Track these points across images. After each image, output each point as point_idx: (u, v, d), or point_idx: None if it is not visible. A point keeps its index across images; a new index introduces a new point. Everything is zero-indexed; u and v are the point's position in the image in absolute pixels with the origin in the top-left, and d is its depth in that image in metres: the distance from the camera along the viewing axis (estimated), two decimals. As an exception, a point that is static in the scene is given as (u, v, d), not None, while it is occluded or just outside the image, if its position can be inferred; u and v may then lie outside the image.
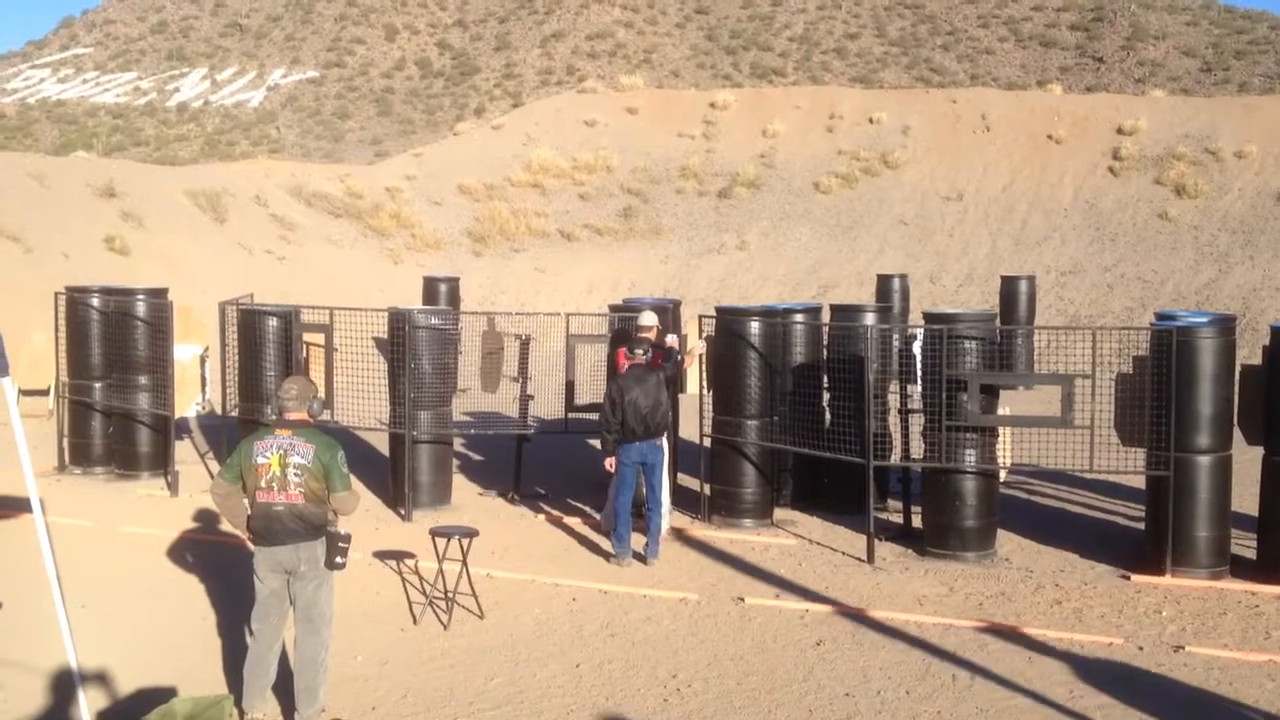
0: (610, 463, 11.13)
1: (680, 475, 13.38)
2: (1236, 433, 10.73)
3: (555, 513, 12.95)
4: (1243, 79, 77.54)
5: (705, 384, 12.96)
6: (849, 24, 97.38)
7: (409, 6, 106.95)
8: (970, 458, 10.92)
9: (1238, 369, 10.74)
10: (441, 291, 21.33)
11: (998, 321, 12.27)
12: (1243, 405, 10.69)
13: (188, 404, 16.88)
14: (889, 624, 9.33)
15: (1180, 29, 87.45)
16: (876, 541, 11.24)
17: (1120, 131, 35.95)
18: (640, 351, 11.22)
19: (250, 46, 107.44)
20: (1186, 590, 10.11)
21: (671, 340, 12.65)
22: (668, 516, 11.93)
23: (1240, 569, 10.63)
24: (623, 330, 12.81)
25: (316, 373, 13.04)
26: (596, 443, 12.72)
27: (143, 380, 14.18)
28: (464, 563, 9.46)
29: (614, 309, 14.23)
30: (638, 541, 11.23)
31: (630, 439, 10.95)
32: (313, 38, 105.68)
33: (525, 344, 13.98)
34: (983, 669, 8.36)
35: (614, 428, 10.96)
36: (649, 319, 12.23)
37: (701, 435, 12.71)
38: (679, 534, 12.01)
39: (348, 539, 7.32)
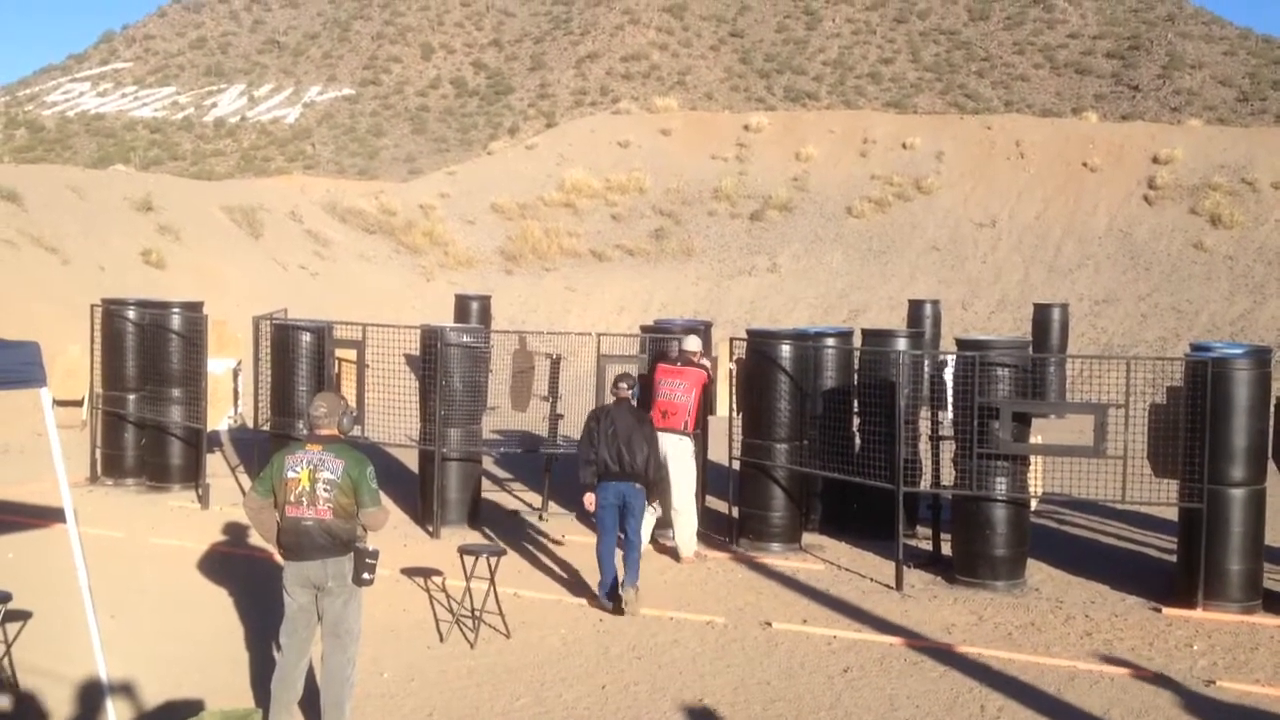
0: (590, 499, 10.26)
1: (709, 498, 13.35)
2: (1271, 466, 10.63)
3: (583, 533, 12.94)
4: (1280, 109, 77.10)
5: (735, 406, 12.95)
6: (883, 49, 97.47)
7: (446, 26, 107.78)
8: (1001, 486, 10.85)
9: (1273, 401, 10.65)
10: (473, 309, 21.39)
11: (1030, 349, 12.20)
12: (1277, 438, 10.59)
13: (220, 417, 16.99)
14: (917, 652, 9.27)
15: (1217, 58, 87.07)
16: (905, 568, 11.18)
17: (1156, 160, 35.80)
18: (625, 386, 10.47)
19: (288, 63, 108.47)
20: (1218, 624, 10.01)
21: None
22: (691, 541, 11.88)
23: (1273, 604, 10.51)
24: (662, 352, 12.83)
25: (348, 388, 13.10)
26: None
27: (176, 393, 14.29)
28: (491, 581, 9.47)
29: (645, 329, 14.23)
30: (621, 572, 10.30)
31: (606, 476, 10.09)
32: (349, 55, 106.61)
33: (556, 363, 14.01)
34: (1012, 699, 8.29)
35: (589, 458, 10.15)
36: (693, 343, 12.26)
37: (730, 458, 12.69)
38: (706, 557, 11.99)
39: (376, 555, 7.33)
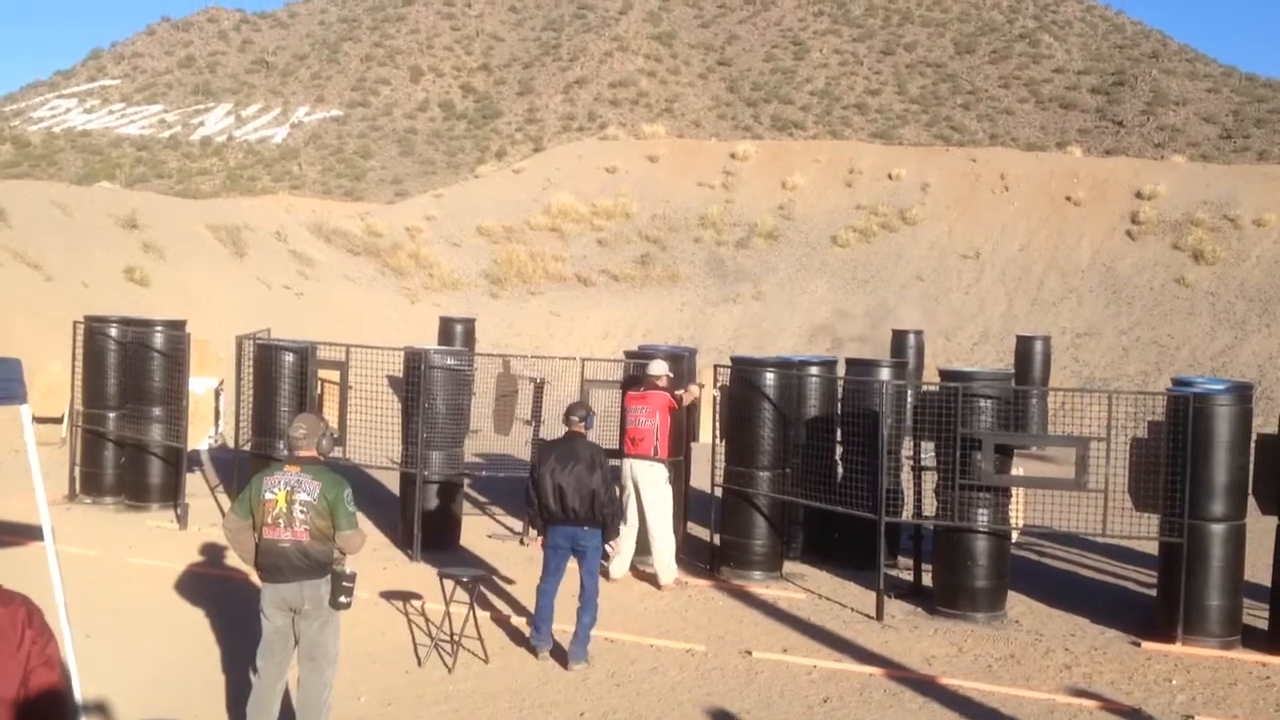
0: (541, 542, 9.62)
1: (690, 525, 13.33)
2: (1251, 502, 10.66)
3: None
4: (1263, 147, 77.69)
5: (718, 433, 12.94)
6: (870, 80, 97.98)
7: (435, 49, 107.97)
8: (983, 517, 10.86)
9: (1254, 437, 10.68)
10: (457, 332, 21.40)
11: (1013, 381, 12.23)
12: (1258, 474, 10.62)
13: (200, 437, 16.89)
14: (897, 683, 9.25)
15: (1201, 95, 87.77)
16: (886, 599, 11.17)
17: (1139, 195, 35.99)
18: (576, 418, 9.67)
19: (276, 83, 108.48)
20: (1197, 659, 10.02)
21: (693, 391, 12.66)
22: (670, 567, 11.85)
23: (1252, 639, 10.52)
24: (633, 377, 12.81)
25: (330, 409, 13.06)
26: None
27: (157, 411, 14.20)
28: (471, 605, 9.42)
29: (629, 355, 14.22)
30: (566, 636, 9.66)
31: (551, 520, 9.33)
32: (338, 77, 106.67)
33: (539, 387, 14.00)
34: (990, 732, 8.28)
35: (532, 502, 9.43)
36: (658, 368, 12.20)
37: (713, 485, 12.67)
38: (687, 584, 11.95)
39: (353, 578, 7.29)
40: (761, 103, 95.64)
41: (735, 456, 12.37)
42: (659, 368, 12.21)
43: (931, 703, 8.82)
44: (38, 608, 3.91)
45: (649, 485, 11.79)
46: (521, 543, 13.49)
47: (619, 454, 12.33)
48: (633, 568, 12.14)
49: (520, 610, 10.78)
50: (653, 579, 11.89)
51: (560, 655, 9.49)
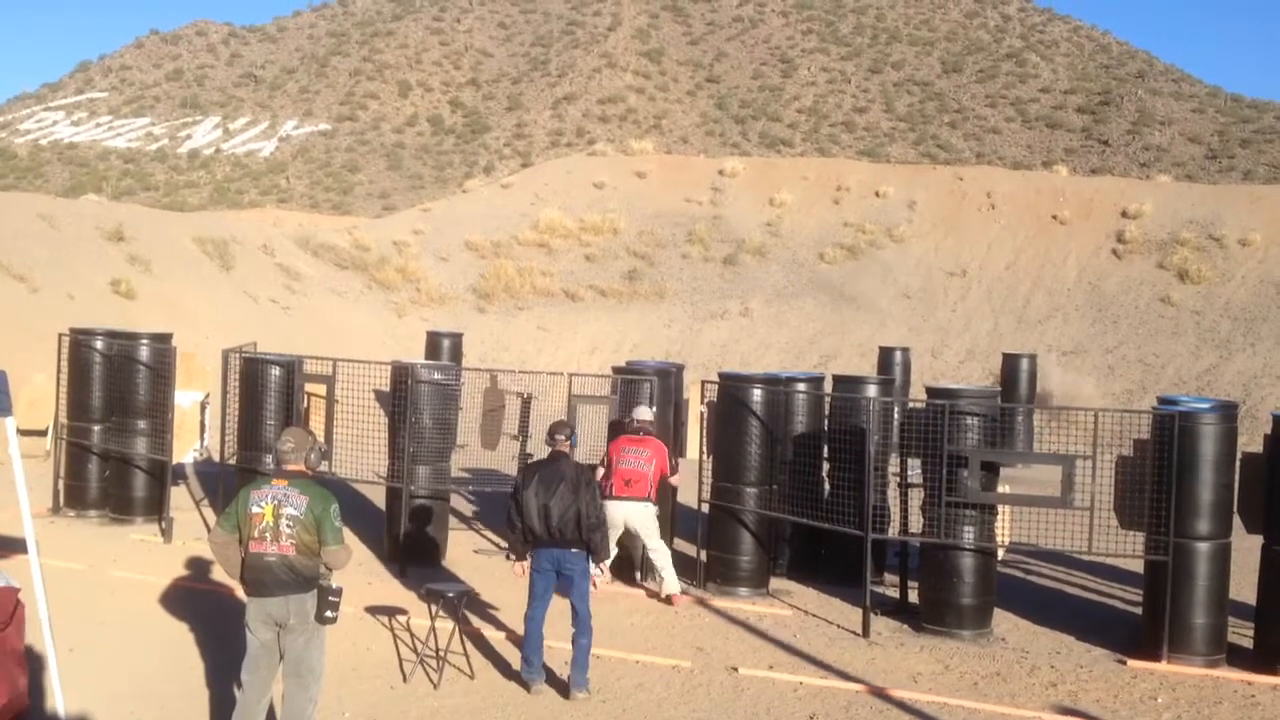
0: (520, 567, 9.29)
1: (677, 541, 13.32)
2: (1236, 520, 10.69)
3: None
4: (1248, 167, 78.20)
5: (705, 450, 12.95)
6: (858, 98, 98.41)
7: (424, 64, 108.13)
8: (969, 534, 10.87)
9: (1238, 456, 10.71)
10: (444, 346, 21.32)
11: (999, 399, 12.25)
12: (1243, 493, 10.65)
13: (186, 450, 16.83)
14: (883, 700, 9.24)
15: (1186, 116, 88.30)
16: (872, 615, 11.16)
17: (1125, 215, 36.18)
18: (561, 437, 9.31)
19: (264, 97, 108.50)
20: (1183, 677, 10.03)
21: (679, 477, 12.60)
22: (674, 579, 11.85)
23: (1237, 658, 10.54)
24: (619, 422, 12.84)
25: (317, 423, 13.02)
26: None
27: (142, 425, 14.14)
28: (456, 621, 9.39)
29: (617, 370, 14.22)
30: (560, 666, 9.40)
31: (536, 543, 9.03)
32: (326, 91, 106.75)
33: (526, 402, 13.98)
34: (976, 750, 8.26)
35: (515, 525, 9.09)
36: (645, 413, 12.21)
37: (700, 501, 12.66)
38: (672, 600, 11.94)
39: (338, 593, 7.26)
40: (749, 120, 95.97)
41: (722, 473, 12.37)
42: (646, 413, 12.26)
43: (917, 720, 8.82)
44: None
45: (642, 525, 11.86)
46: (508, 558, 13.45)
47: (607, 495, 12.31)
48: (642, 584, 12.23)
49: (505, 626, 10.75)
50: (658, 596, 11.93)
51: (553, 681, 9.30)
